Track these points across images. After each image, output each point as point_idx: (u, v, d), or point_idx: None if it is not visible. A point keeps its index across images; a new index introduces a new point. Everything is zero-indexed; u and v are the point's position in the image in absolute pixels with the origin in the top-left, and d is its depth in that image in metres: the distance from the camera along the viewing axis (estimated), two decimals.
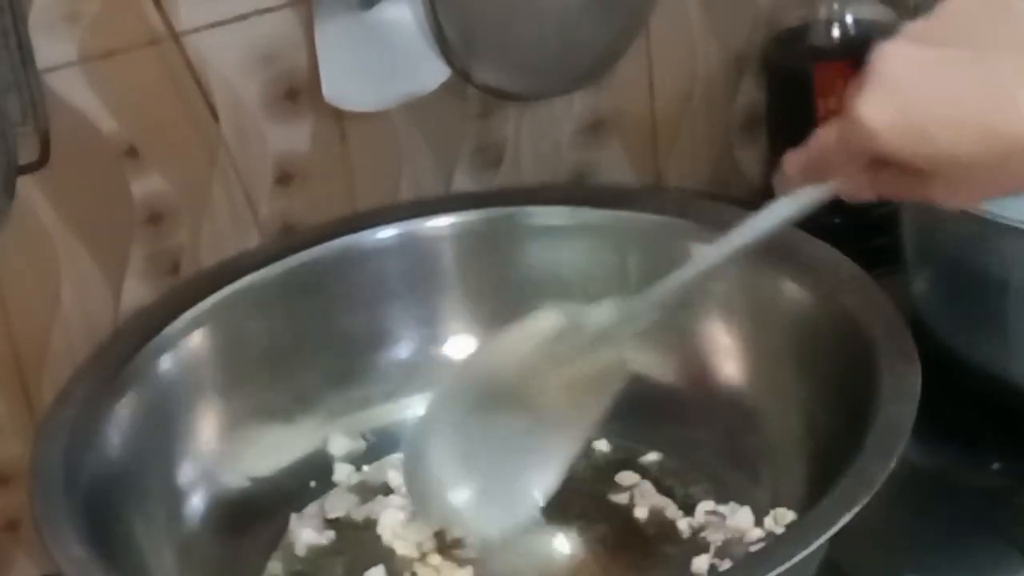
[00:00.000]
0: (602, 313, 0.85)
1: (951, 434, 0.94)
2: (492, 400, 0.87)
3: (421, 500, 0.89)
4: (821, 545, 0.74)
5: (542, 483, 0.87)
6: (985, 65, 0.68)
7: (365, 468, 0.97)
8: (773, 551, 0.76)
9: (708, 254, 0.82)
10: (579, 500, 0.92)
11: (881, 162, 0.72)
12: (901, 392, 0.81)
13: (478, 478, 0.87)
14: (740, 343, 0.95)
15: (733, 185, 1.17)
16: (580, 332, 0.85)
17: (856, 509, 0.74)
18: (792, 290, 0.92)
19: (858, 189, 0.75)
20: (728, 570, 0.83)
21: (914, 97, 0.69)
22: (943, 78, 0.69)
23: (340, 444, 0.98)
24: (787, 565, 0.72)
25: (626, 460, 0.95)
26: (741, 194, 1.15)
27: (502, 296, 0.99)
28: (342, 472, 0.97)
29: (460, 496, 0.87)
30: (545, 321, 0.86)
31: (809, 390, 0.89)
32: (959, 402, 0.95)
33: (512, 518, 0.87)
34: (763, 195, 1.16)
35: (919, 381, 0.81)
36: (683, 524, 0.90)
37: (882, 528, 0.88)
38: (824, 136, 0.74)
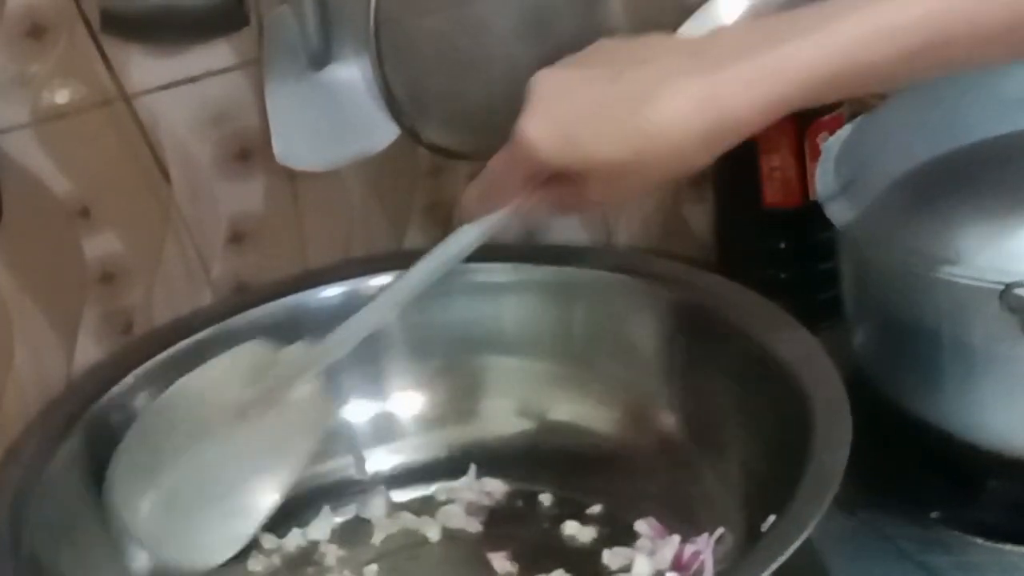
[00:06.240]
0: (295, 350, 0.91)
1: (891, 483, 0.95)
2: (191, 428, 0.91)
3: (116, 524, 0.90)
4: None
5: (246, 514, 0.90)
6: (624, 77, 0.77)
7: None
8: None
9: (395, 289, 0.88)
10: (526, 550, 0.93)
11: (548, 178, 0.79)
12: (833, 440, 0.82)
13: (174, 506, 0.90)
14: (678, 395, 0.96)
15: (682, 242, 1.18)
16: (275, 365, 0.91)
17: (788, 553, 0.75)
18: (729, 342, 0.93)
19: (532, 207, 0.82)
20: None
21: (564, 112, 0.78)
22: (588, 93, 0.77)
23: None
24: None
25: (570, 512, 0.95)
26: (689, 251, 1.17)
27: (447, 353, 1.01)
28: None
29: (150, 522, 0.89)
30: (245, 353, 0.93)
31: (745, 440, 0.90)
32: (899, 452, 0.96)
33: (210, 548, 0.90)
34: (711, 251, 1.19)
35: (850, 430, 0.82)
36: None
37: None
38: (497, 161, 0.82)
